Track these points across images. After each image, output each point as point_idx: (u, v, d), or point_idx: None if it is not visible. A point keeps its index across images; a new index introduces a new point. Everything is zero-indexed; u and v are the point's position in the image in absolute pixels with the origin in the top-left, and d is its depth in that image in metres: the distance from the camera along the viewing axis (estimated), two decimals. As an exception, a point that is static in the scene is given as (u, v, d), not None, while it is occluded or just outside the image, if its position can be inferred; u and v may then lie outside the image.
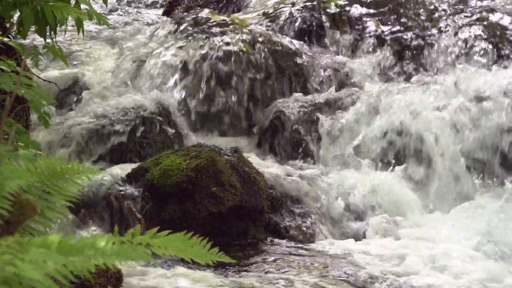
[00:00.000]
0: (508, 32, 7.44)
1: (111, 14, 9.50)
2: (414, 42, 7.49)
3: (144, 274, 4.75)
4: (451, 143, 6.55)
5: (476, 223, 5.81)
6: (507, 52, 7.28)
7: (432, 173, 6.51)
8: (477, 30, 7.41)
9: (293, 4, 7.91)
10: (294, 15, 7.77)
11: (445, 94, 6.78)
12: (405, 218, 6.00)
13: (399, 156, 6.60)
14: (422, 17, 7.70)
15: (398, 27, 7.65)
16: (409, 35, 7.56)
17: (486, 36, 7.35)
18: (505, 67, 7.03)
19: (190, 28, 7.60)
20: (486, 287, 4.90)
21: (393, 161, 6.58)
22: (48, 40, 3.67)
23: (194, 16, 7.75)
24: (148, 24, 8.81)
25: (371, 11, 7.83)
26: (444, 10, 7.74)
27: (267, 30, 7.60)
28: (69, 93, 7.14)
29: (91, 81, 7.22)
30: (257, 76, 7.11)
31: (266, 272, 4.95)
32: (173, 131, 6.78)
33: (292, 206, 5.89)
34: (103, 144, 6.57)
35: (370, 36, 7.60)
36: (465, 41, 7.36)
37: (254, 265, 5.10)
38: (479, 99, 6.65)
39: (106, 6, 4.54)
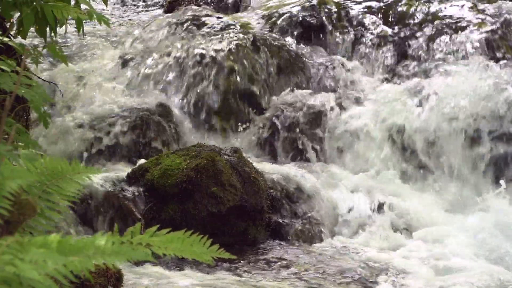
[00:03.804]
0: (504, 34, 7.44)
1: (112, 14, 9.50)
2: (415, 43, 7.49)
3: (144, 273, 4.75)
4: (455, 146, 6.55)
5: (479, 229, 5.80)
6: (502, 53, 7.28)
7: (433, 176, 6.51)
8: (475, 30, 7.41)
9: (294, 4, 7.91)
10: (294, 15, 7.76)
11: (446, 96, 6.77)
12: (406, 219, 6.00)
13: (400, 157, 6.60)
14: (423, 18, 7.69)
15: (398, 27, 7.65)
16: (409, 35, 7.56)
17: (483, 37, 7.35)
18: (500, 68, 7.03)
19: (190, 28, 7.60)
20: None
21: (394, 162, 6.58)
22: (48, 40, 3.67)
23: (194, 16, 7.75)
24: (149, 24, 8.80)
25: (371, 11, 7.83)
26: (444, 10, 7.74)
27: (267, 29, 7.59)
28: (69, 93, 7.13)
29: (90, 81, 7.21)
30: (257, 75, 7.11)
31: (266, 272, 4.95)
32: (173, 131, 6.78)
33: (292, 206, 5.88)
34: (103, 144, 6.57)
35: (370, 36, 7.59)
36: (463, 42, 7.36)
37: (254, 265, 5.10)
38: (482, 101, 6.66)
39: (106, 6, 4.54)
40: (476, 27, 7.42)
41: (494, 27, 7.42)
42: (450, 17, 7.63)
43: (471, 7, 7.68)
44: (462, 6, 7.73)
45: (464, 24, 7.49)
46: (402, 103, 6.77)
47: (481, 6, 7.69)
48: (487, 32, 7.38)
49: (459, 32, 7.42)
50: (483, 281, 4.95)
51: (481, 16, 7.55)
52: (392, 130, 6.65)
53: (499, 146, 6.48)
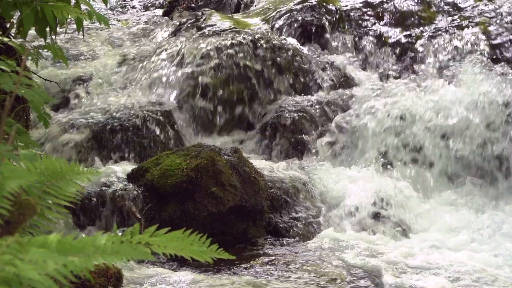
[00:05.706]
0: (504, 35, 7.44)
1: (112, 14, 9.51)
2: (414, 43, 7.49)
3: (144, 273, 4.75)
4: (447, 144, 6.56)
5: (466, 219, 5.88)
6: (502, 54, 7.29)
7: (428, 172, 6.52)
8: (474, 32, 7.41)
9: (294, 4, 7.91)
10: (295, 15, 7.77)
11: (442, 97, 6.78)
12: (403, 216, 6.01)
13: (397, 156, 6.61)
14: (422, 18, 7.70)
15: (398, 28, 7.65)
16: (409, 36, 7.56)
17: (482, 39, 7.36)
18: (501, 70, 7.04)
19: (190, 28, 7.60)
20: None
21: (391, 161, 6.58)
22: (48, 40, 3.67)
23: (194, 16, 7.75)
24: (149, 24, 8.81)
25: (371, 11, 7.83)
26: (444, 11, 7.74)
27: (267, 30, 7.60)
28: (70, 93, 7.14)
29: (91, 81, 7.22)
30: (257, 76, 7.11)
31: (266, 272, 4.95)
32: (173, 131, 6.78)
33: (292, 206, 5.89)
34: (103, 144, 6.58)
35: (370, 37, 7.60)
36: (462, 42, 7.36)
37: (254, 264, 5.10)
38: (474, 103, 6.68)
39: (106, 6, 4.54)
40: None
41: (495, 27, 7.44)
42: (453, 17, 7.63)
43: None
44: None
45: (467, 23, 7.50)
46: (401, 102, 6.77)
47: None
48: (489, 31, 7.39)
49: (462, 31, 7.43)
50: (485, 279, 4.97)
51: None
52: (392, 127, 6.66)
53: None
